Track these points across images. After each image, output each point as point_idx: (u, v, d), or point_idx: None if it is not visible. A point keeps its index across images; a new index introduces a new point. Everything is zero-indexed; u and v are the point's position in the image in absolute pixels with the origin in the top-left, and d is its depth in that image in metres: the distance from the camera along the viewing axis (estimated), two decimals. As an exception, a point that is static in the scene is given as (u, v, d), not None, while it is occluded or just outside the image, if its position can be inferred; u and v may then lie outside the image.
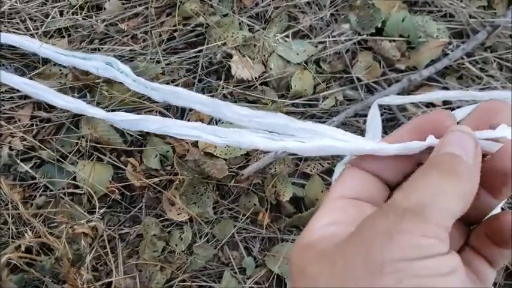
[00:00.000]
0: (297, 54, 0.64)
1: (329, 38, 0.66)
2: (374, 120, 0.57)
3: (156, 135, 0.60)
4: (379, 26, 0.67)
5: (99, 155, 0.59)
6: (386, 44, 0.67)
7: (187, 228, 0.58)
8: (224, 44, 0.63)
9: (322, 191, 0.59)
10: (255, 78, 0.61)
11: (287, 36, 0.66)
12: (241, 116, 0.50)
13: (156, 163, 0.59)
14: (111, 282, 0.56)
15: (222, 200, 0.59)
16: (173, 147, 0.60)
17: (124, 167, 0.59)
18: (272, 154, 0.59)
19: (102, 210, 0.57)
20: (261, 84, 0.63)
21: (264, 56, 0.63)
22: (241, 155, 0.60)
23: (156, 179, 0.58)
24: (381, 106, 0.54)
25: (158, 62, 0.62)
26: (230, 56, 0.62)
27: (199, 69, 0.63)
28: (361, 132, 0.62)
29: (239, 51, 0.63)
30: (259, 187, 0.60)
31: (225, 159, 0.59)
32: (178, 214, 0.58)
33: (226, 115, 0.48)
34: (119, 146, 0.59)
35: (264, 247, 0.59)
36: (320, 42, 0.66)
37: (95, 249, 0.55)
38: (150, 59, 0.62)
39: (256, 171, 0.59)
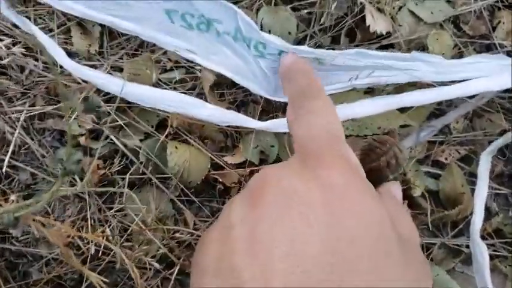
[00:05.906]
0: (431, 13, 0.51)
1: (467, -8, 0.53)
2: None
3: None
4: (527, -20, 0.54)
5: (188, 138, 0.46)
6: (531, 2, 0.54)
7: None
8: (345, -9, 0.49)
9: (462, 185, 0.48)
10: (387, 33, 0.48)
11: (416, -14, 0.52)
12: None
13: (255, 156, 0.46)
14: None
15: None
16: (282, 141, 0.46)
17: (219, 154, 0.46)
18: (413, 137, 0.47)
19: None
20: (384, 46, 0.50)
21: (394, 8, 0.50)
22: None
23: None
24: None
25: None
26: (357, 5, 0.48)
27: (313, 23, 0.49)
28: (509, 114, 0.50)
29: (368, 2, 0.49)
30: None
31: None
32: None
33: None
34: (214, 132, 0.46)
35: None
36: (456, -3, 0.53)
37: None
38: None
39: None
